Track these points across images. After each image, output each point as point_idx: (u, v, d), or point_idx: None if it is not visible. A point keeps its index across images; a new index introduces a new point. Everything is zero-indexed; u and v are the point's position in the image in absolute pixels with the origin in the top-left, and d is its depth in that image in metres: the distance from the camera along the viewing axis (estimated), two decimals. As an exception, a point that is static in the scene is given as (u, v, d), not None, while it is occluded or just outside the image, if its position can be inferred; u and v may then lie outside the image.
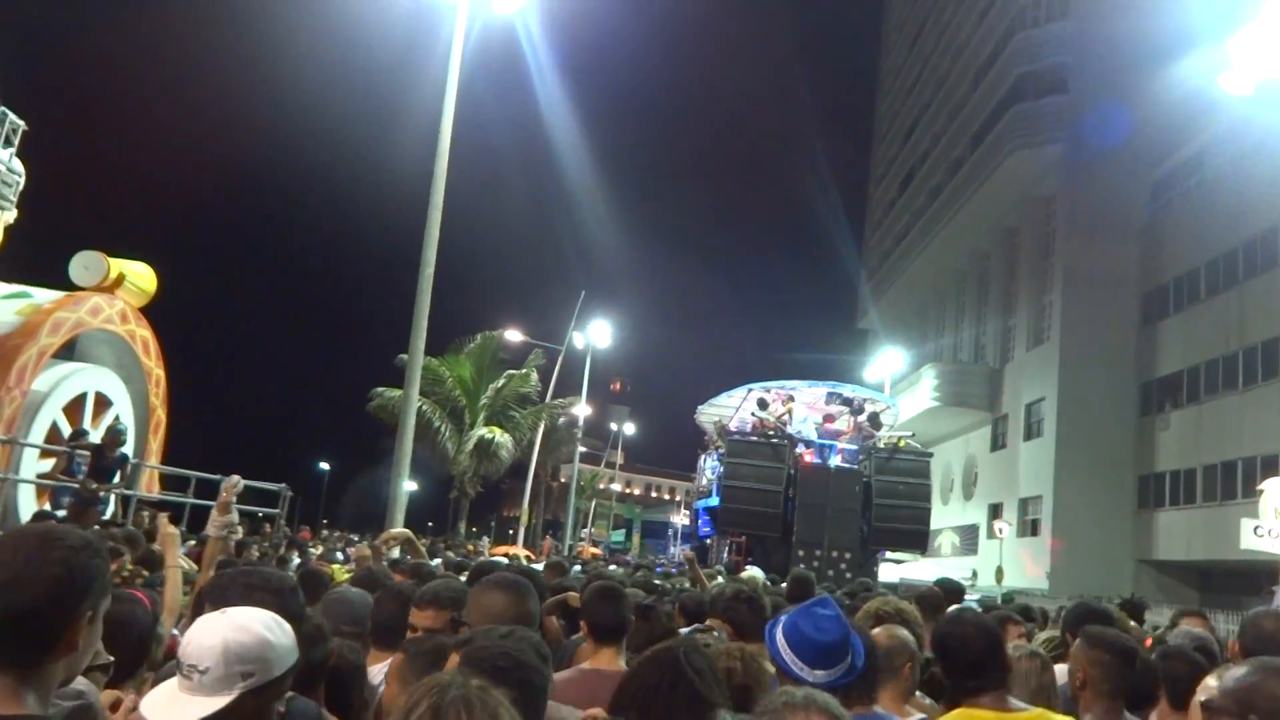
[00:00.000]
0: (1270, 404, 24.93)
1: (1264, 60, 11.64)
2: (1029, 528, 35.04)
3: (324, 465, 76.89)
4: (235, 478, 5.10)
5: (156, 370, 14.09)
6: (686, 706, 2.28)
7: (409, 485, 14.50)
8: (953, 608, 5.43)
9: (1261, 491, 13.76)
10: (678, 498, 72.87)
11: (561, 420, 35.92)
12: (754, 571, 9.74)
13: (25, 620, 1.55)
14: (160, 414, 14.32)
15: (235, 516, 5.03)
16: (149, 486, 13.56)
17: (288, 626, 2.06)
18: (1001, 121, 37.30)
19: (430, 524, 63.80)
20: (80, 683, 2.11)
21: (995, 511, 37.51)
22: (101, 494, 10.56)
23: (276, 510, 15.15)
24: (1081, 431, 32.56)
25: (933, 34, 49.43)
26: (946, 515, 43.83)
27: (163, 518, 5.10)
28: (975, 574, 34.48)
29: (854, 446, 19.44)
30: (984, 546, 37.88)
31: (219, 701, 1.85)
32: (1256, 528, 13.33)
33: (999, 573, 30.81)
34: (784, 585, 7.89)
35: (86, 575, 1.62)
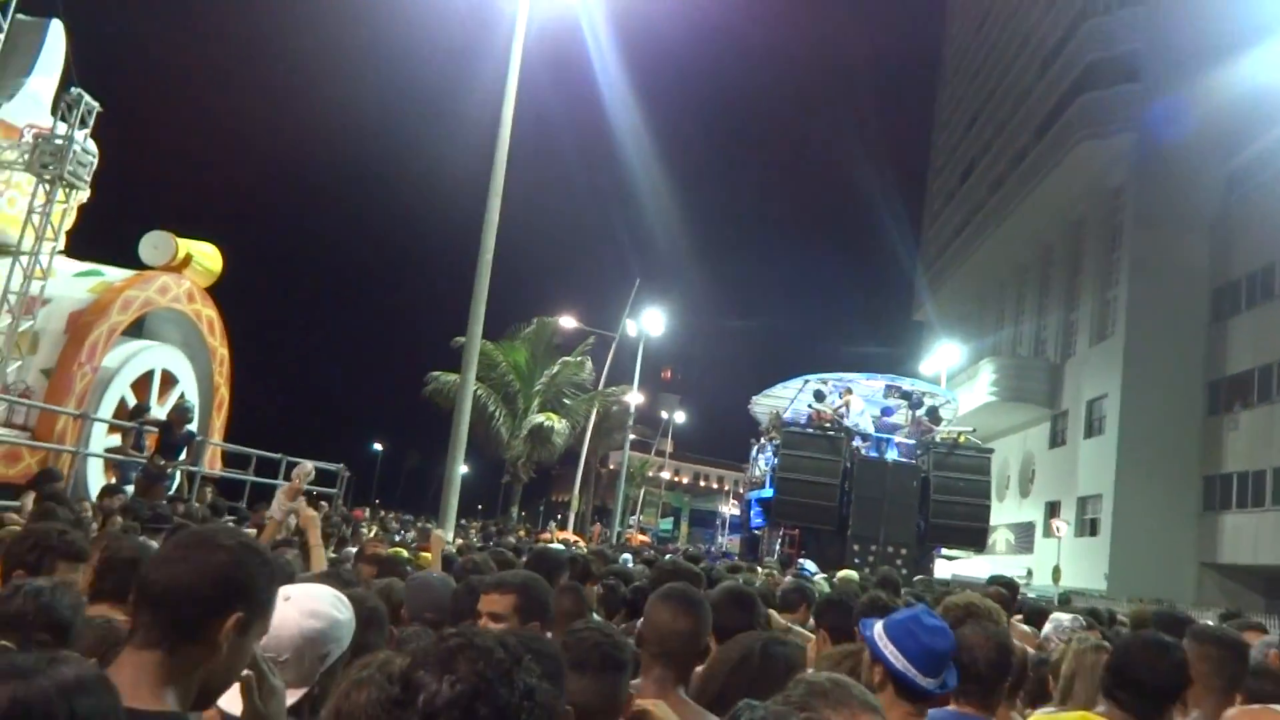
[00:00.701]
0: (1347, 405, 24.11)
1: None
2: (1088, 527, 34.32)
3: (377, 446, 78.11)
4: (308, 465, 5.17)
5: (221, 349, 14.34)
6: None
7: (462, 469, 14.57)
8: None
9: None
10: (726, 487, 72.70)
11: (614, 408, 35.97)
12: (845, 573, 9.48)
13: (178, 599, 1.51)
14: (224, 392, 14.58)
15: (303, 503, 5.08)
16: (211, 464, 13.81)
17: (347, 600, 2.11)
18: (1069, 110, 36.45)
19: (480, 507, 64.58)
20: None
21: (1053, 510, 36.83)
22: (169, 470, 10.76)
23: (334, 490, 15.38)
24: (1145, 430, 31.74)
25: (999, 19, 48.45)
26: (1002, 512, 43.05)
27: (301, 501, 5.08)
28: (1030, 573, 33.90)
29: (912, 441, 19.29)
30: (1040, 545, 37.25)
31: (301, 690, 1.89)
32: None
33: (1056, 572, 30.22)
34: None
35: (245, 577, 1.58)
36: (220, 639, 1.53)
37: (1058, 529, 31.94)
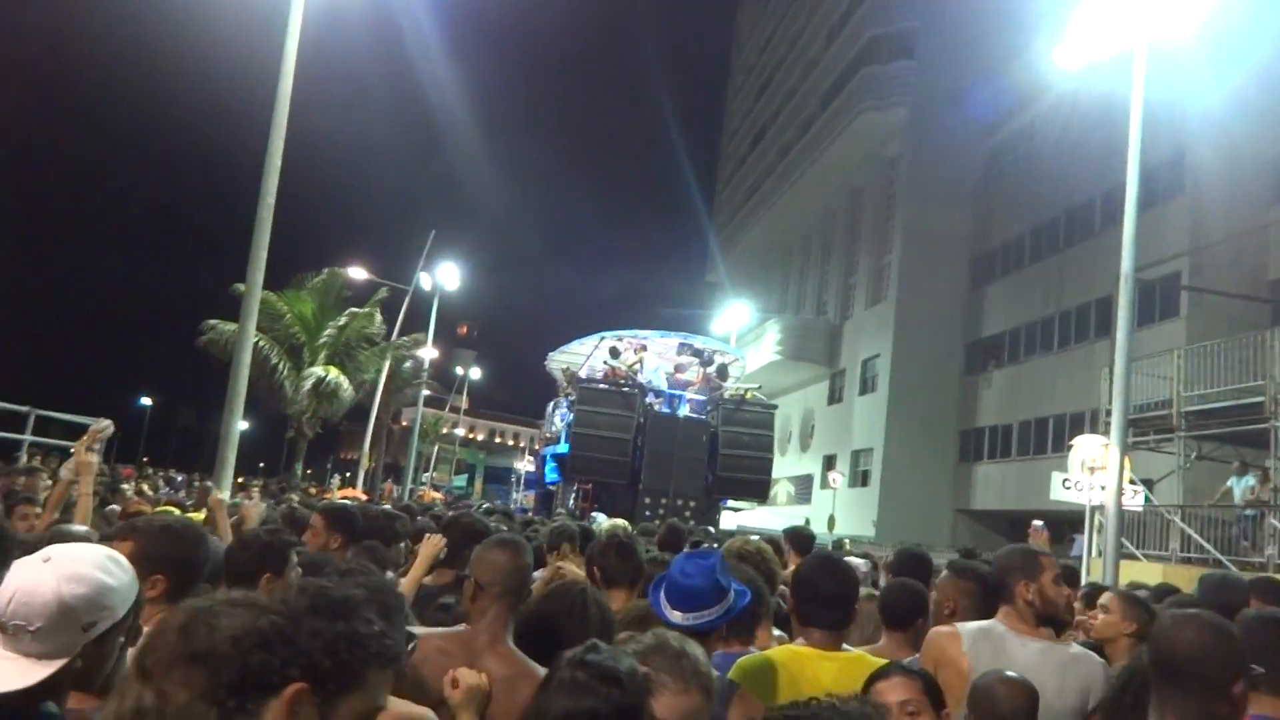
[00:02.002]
0: (1081, 365, 26.70)
1: (1095, 39, 12.21)
2: (860, 478, 36.71)
3: (145, 400, 72.72)
4: (105, 422, 4.83)
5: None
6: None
7: (242, 424, 13.73)
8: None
9: (1072, 447, 14.73)
10: (522, 444, 72.71)
11: (407, 363, 35.00)
12: (615, 520, 9.74)
13: None
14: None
15: (96, 460, 4.74)
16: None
17: (125, 561, 1.86)
18: (851, 82, 38.23)
19: (262, 465, 61.51)
20: None
21: (830, 463, 39.09)
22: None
23: (96, 446, 14.13)
24: (911, 387, 34.23)
25: (790, -11, 49.99)
26: (784, 466, 45.32)
27: (80, 445, 4.68)
28: (808, 521, 35.83)
29: (702, 397, 19.77)
30: (818, 496, 39.44)
31: (59, 663, 1.67)
32: (1065, 480, 14.27)
33: (831, 521, 32.16)
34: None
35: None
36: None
37: (834, 480, 33.96)
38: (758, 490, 19.61)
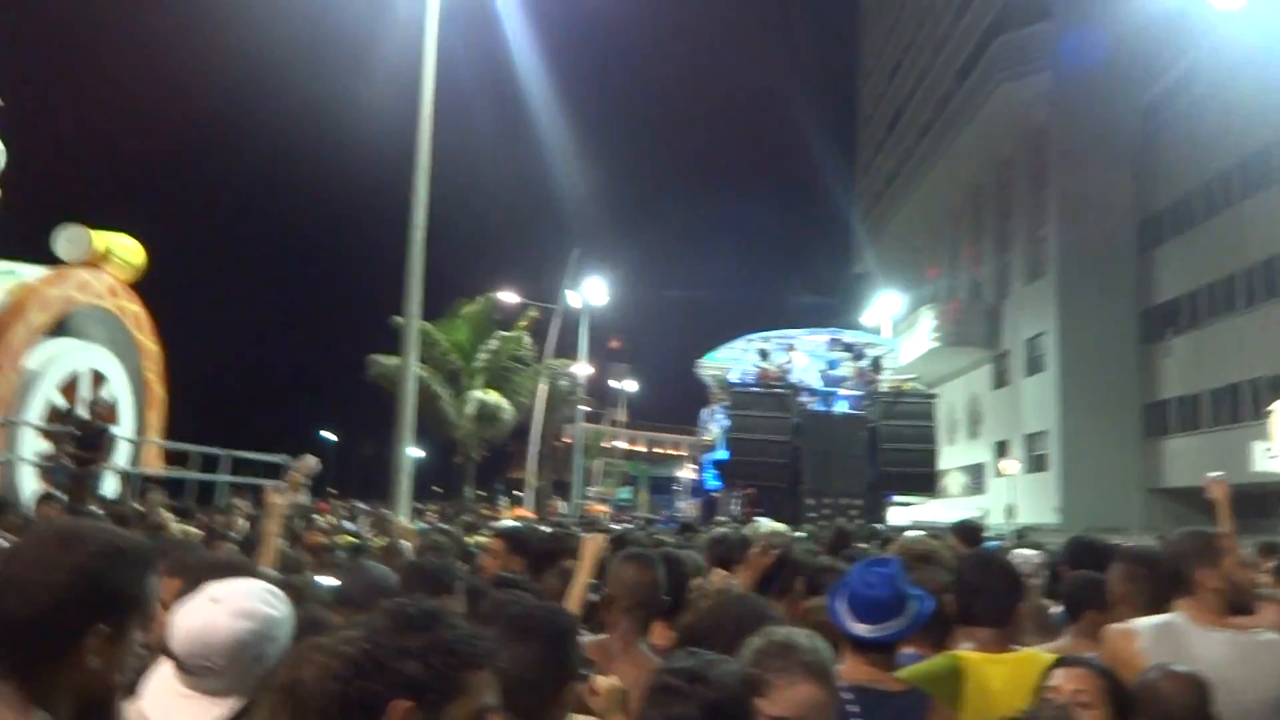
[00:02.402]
0: (1274, 323, 24.81)
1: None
2: (1036, 463, 35.07)
3: (328, 435, 76.92)
4: (311, 459, 5.10)
5: (149, 344, 13.89)
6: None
7: (415, 452, 14.36)
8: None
9: (1270, 413, 13.66)
10: (684, 452, 73.00)
11: (562, 381, 35.81)
12: (774, 526, 9.73)
13: (25, 630, 1.40)
14: (157, 389, 14.15)
15: (304, 498, 5.09)
16: (151, 462, 13.42)
17: (281, 594, 1.96)
18: (987, 53, 36.85)
19: (438, 490, 63.97)
20: None
21: (1002, 449, 37.57)
22: (92, 468, 10.40)
23: (283, 483, 15.03)
24: (1084, 364, 32.44)
25: (915, -32, 48.65)
26: (953, 455, 43.83)
27: (270, 490, 5.07)
28: (985, 513, 34.61)
29: (858, 392, 19.62)
30: (992, 485, 38.01)
31: (242, 701, 1.75)
32: (1268, 449, 13.25)
33: (1010, 510, 30.87)
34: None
35: (106, 586, 1.46)
36: (86, 658, 1.44)
37: (1008, 467, 32.60)
38: (924, 483, 19.42)
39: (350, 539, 7.38)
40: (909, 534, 5.83)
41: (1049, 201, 35.11)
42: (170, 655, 1.78)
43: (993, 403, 39.90)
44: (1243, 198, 27.61)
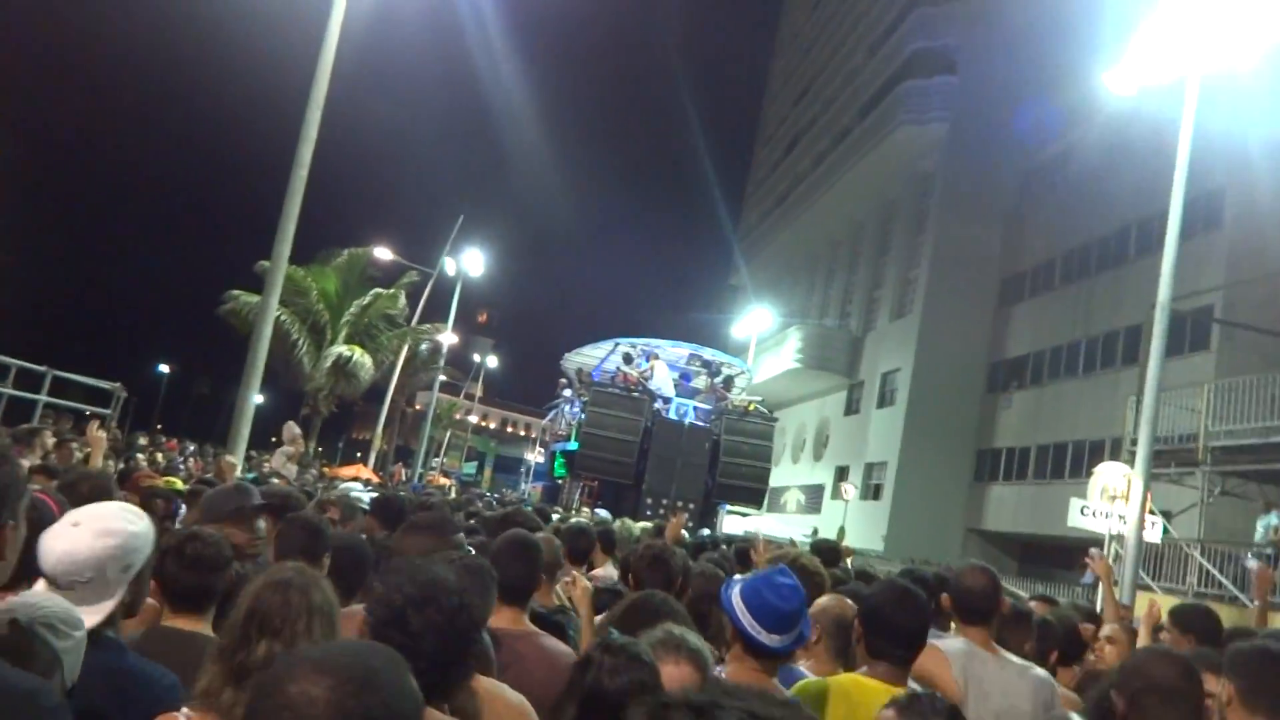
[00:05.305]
0: (1105, 392, 26.41)
1: (1151, 65, 11.96)
2: (872, 491, 36.45)
3: (163, 368, 73.17)
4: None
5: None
6: None
7: (258, 398, 13.70)
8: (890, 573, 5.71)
9: (1093, 474, 14.51)
10: (533, 434, 72.74)
11: (425, 346, 35.05)
12: (643, 524, 10.17)
13: None
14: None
15: (94, 425, 5.46)
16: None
17: (138, 510, 2.25)
18: (892, 94, 37.96)
19: (274, 440, 61.74)
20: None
21: (842, 474, 38.81)
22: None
23: (107, 411, 14.17)
24: (931, 403, 33.95)
25: (834, -1, 49.74)
26: (796, 474, 45.16)
27: (92, 423, 5.06)
28: (815, 531, 35.62)
29: (708, 406, 20.72)
30: (828, 506, 39.21)
31: (111, 603, 2.07)
32: (1084, 507, 14.04)
33: (840, 532, 31.85)
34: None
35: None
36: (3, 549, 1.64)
37: (846, 492, 33.72)
38: (755, 498, 20.24)
39: (175, 481, 6.93)
40: (771, 541, 6.18)
41: (924, 245, 36.52)
42: (44, 575, 2.04)
43: (842, 428, 41.24)
44: (1097, 271, 29.31)
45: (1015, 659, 3.26)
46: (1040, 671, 3.34)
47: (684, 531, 8.57)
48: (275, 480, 7.00)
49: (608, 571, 5.49)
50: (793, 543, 9.91)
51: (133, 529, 2.14)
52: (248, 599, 2.06)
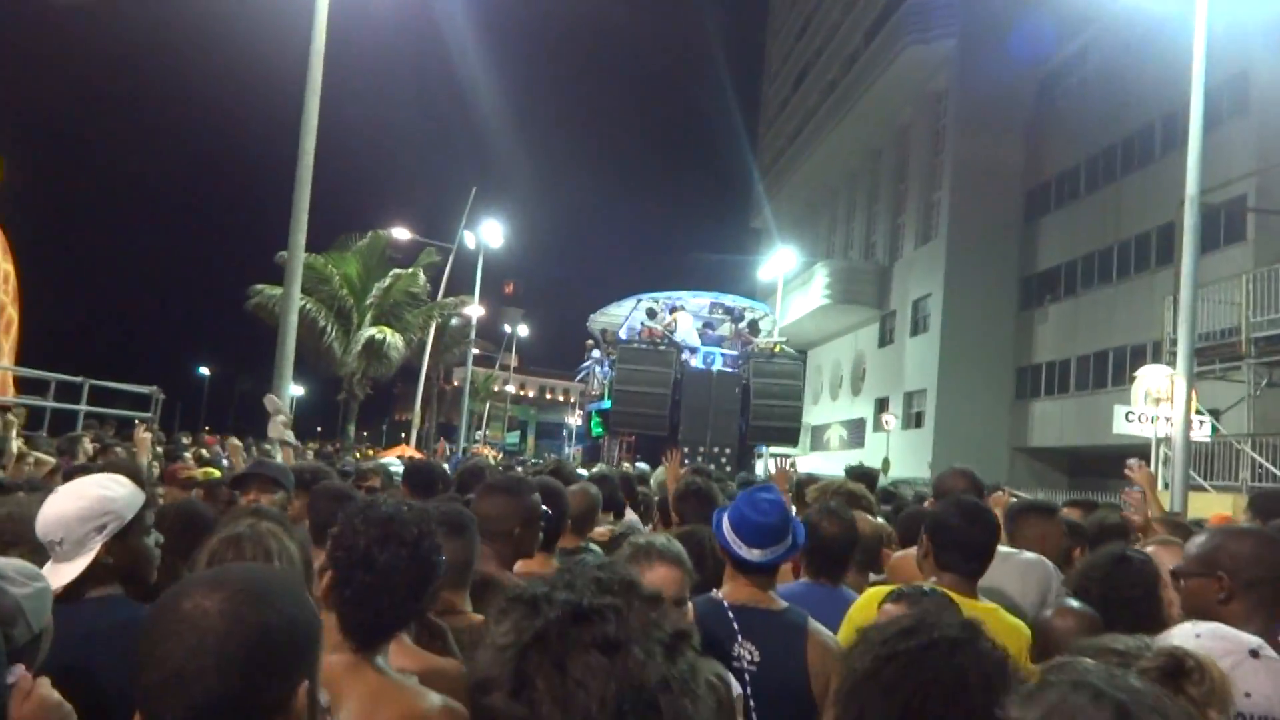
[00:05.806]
0: (1142, 295, 25.96)
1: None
2: (913, 420, 36.25)
3: (203, 370, 74.26)
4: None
5: (4, 265, 12.93)
6: None
7: (295, 389, 13.86)
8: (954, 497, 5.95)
9: (1135, 379, 14.29)
10: (572, 399, 73.08)
11: (454, 321, 35.17)
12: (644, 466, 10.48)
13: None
14: (11, 312, 13.20)
15: (140, 429, 5.95)
16: (2, 390, 12.56)
17: (124, 479, 2.37)
18: (895, 16, 37.10)
19: (319, 429, 62.53)
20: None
21: (882, 405, 38.64)
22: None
23: (148, 414, 14.37)
24: (964, 326, 33.54)
25: (828, -75, 48.52)
26: (836, 410, 45.01)
27: (138, 425, 5.50)
28: (861, 464, 35.59)
29: (734, 352, 20.94)
30: (870, 439, 39.11)
31: (86, 559, 2.19)
32: (1128, 413, 13.88)
33: (885, 464, 31.84)
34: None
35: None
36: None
37: (887, 423, 33.58)
38: (789, 437, 20.39)
39: (214, 471, 7.11)
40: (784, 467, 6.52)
41: (943, 167, 35.87)
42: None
43: (877, 360, 40.96)
44: (1123, 173, 28.67)
45: (1002, 548, 3.29)
46: (1029, 555, 3.43)
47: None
48: (278, 447, 7.20)
49: (630, 518, 5.83)
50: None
51: (107, 494, 2.26)
52: (204, 556, 2.27)
